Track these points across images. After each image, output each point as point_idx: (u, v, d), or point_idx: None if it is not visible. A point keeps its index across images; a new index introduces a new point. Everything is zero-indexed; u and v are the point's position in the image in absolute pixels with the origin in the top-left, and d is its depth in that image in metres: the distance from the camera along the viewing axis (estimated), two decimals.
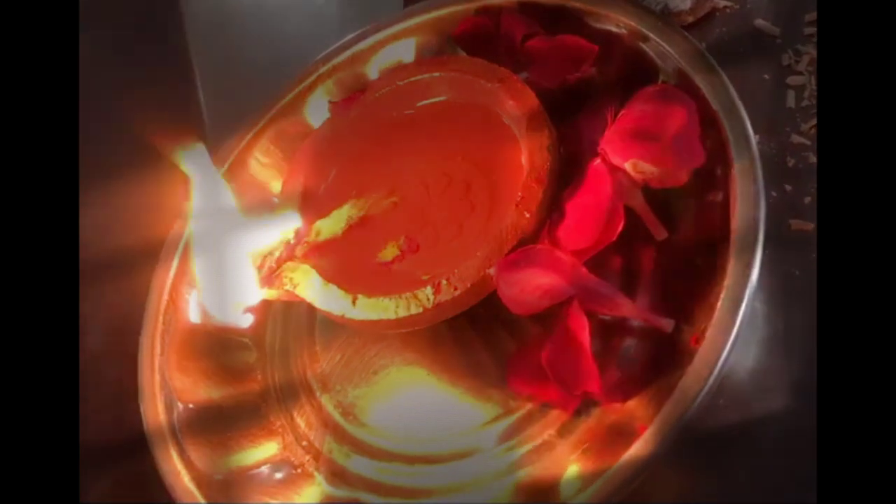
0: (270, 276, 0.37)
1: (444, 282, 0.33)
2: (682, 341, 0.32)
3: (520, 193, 0.34)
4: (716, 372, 0.29)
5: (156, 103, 0.64)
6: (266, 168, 0.46)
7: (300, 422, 0.39)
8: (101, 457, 0.39)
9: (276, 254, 0.37)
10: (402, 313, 0.34)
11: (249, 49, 0.63)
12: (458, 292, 0.33)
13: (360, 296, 0.35)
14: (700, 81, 0.35)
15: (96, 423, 0.41)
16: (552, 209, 0.34)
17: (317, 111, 0.46)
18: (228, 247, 0.37)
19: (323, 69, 0.46)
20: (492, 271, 0.33)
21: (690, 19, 0.43)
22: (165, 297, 0.42)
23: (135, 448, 0.39)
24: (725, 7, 0.43)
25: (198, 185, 0.37)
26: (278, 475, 0.38)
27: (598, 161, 0.34)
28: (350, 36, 0.47)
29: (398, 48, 0.46)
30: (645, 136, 0.33)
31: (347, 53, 0.46)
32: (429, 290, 0.33)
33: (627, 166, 0.33)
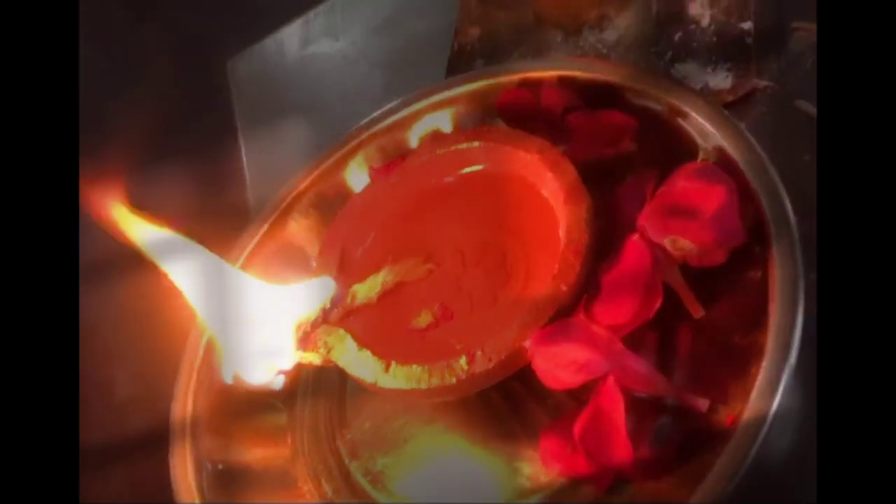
0: (306, 339, 0.37)
1: (478, 352, 0.33)
2: (717, 421, 0.31)
3: (557, 265, 0.34)
4: (752, 454, 0.29)
5: (200, 166, 0.65)
6: (305, 231, 0.47)
7: (328, 488, 0.39)
8: None
9: (312, 317, 0.37)
10: (436, 383, 0.34)
11: (293, 115, 0.65)
12: (492, 364, 0.33)
13: (393, 362, 0.35)
14: (740, 160, 0.35)
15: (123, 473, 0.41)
16: (589, 283, 0.34)
17: (357, 176, 0.47)
18: (257, 313, 0.37)
19: (364, 135, 0.47)
20: (527, 344, 0.33)
21: (731, 98, 0.43)
22: (200, 354, 0.42)
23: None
24: (766, 87, 0.43)
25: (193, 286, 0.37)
26: None
27: (636, 236, 0.34)
28: (392, 104, 0.47)
29: (439, 117, 0.46)
30: (684, 212, 0.33)
31: (389, 121, 0.47)
32: (463, 360, 0.33)
33: (666, 243, 0.33)
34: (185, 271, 0.36)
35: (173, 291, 0.36)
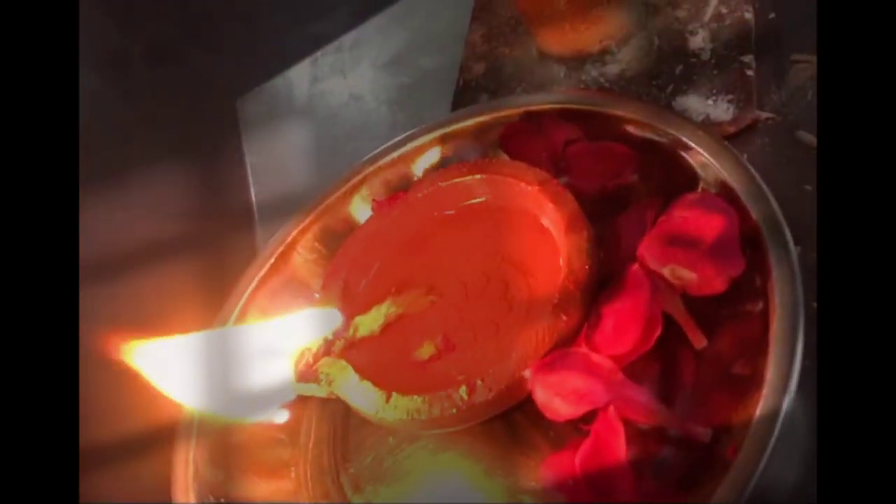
0: (307, 371, 0.37)
1: (479, 382, 0.33)
2: (719, 452, 0.31)
3: (557, 295, 0.34)
4: (752, 484, 0.29)
5: (209, 198, 0.66)
6: (309, 264, 0.47)
7: None
8: None
9: (314, 349, 0.37)
10: (436, 413, 0.34)
11: (300, 150, 0.65)
12: (492, 394, 0.33)
13: (394, 394, 0.35)
14: (740, 190, 0.35)
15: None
16: (590, 313, 0.34)
17: (362, 210, 0.47)
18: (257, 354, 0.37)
19: (369, 169, 0.47)
20: (527, 373, 0.33)
21: (732, 130, 0.43)
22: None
23: None
24: (768, 119, 0.43)
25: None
26: None
27: (636, 266, 0.34)
28: (397, 138, 0.48)
29: (443, 150, 0.47)
30: (684, 242, 0.33)
31: (394, 154, 0.47)
32: (463, 390, 0.33)
33: (665, 272, 0.33)
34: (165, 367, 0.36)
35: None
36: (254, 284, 0.46)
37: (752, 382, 0.31)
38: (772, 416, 0.30)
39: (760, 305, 0.33)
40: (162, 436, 0.40)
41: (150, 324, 0.37)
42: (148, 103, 0.74)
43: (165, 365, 0.35)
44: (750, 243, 0.34)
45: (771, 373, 0.31)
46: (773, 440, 0.29)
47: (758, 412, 0.30)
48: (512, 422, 0.37)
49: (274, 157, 0.67)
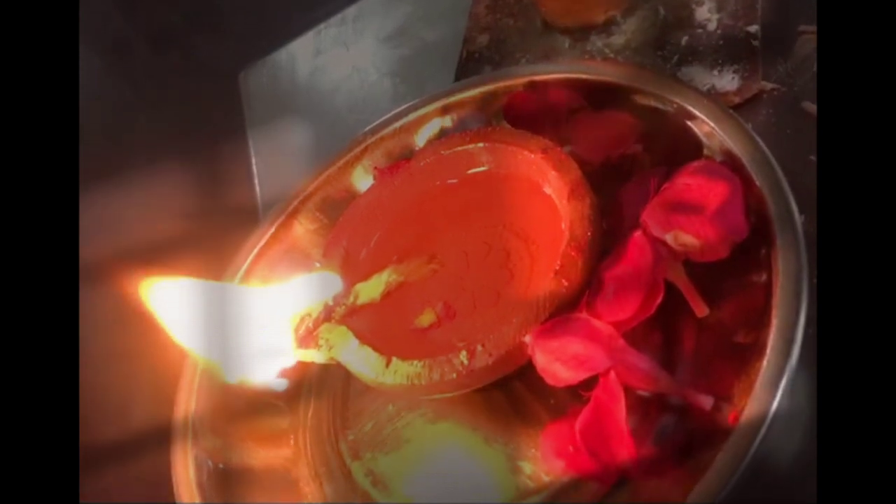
0: (308, 336, 0.37)
1: (479, 348, 0.33)
2: (720, 419, 0.31)
3: (559, 262, 0.34)
4: (752, 450, 0.29)
5: (211, 175, 0.66)
6: (310, 234, 0.47)
7: (329, 489, 0.39)
8: None
9: (314, 315, 0.37)
10: (436, 378, 0.33)
11: (303, 124, 0.65)
12: (492, 359, 0.33)
13: (394, 359, 0.34)
14: (745, 159, 0.35)
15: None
16: (591, 279, 0.34)
17: (364, 180, 0.46)
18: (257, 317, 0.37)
19: (371, 139, 0.47)
20: (527, 339, 0.33)
21: (737, 100, 0.43)
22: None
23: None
24: (773, 89, 0.43)
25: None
26: None
27: (639, 232, 0.34)
28: (399, 108, 0.47)
29: (445, 121, 0.46)
30: (687, 208, 0.33)
31: (396, 125, 0.47)
32: (463, 355, 0.33)
33: (668, 238, 0.33)
34: (176, 307, 0.36)
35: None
36: (254, 253, 0.46)
37: (754, 351, 0.31)
38: (773, 384, 0.30)
39: (763, 274, 0.33)
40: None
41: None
42: (151, 85, 0.74)
43: (175, 306, 0.35)
44: (754, 212, 0.34)
45: (773, 341, 0.31)
46: (774, 408, 0.29)
47: (759, 380, 0.30)
48: (511, 390, 0.37)
49: (276, 130, 0.66)
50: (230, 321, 0.36)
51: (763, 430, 0.29)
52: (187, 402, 0.40)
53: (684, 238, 0.32)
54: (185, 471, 0.38)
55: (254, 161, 0.65)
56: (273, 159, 0.65)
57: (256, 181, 0.64)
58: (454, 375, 0.33)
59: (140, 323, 0.40)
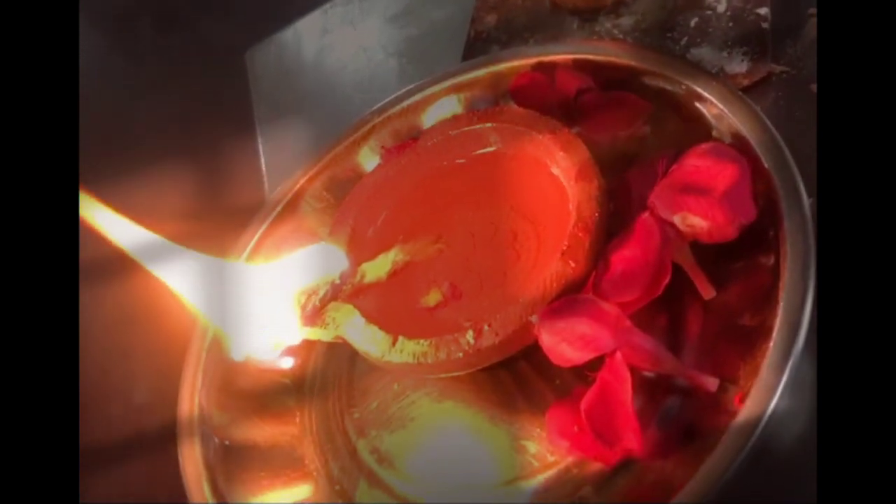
0: (314, 315, 0.37)
1: (485, 327, 0.33)
2: (725, 401, 0.31)
3: (566, 242, 0.34)
4: (757, 432, 0.29)
5: (216, 149, 0.66)
6: (317, 213, 0.47)
7: (334, 466, 0.39)
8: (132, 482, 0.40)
9: (321, 293, 0.37)
10: (442, 357, 0.33)
11: (310, 104, 0.65)
12: (499, 338, 0.33)
13: (400, 337, 0.35)
14: (753, 140, 0.35)
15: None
16: (598, 260, 0.34)
17: (371, 160, 0.47)
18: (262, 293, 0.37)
19: (378, 119, 0.47)
20: (534, 319, 0.33)
21: (746, 83, 0.43)
22: (211, 333, 0.42)
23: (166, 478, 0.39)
24: (782, 72, 0.43)
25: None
26: None
27: (646, 214, 0.34)
28: (407, 88, 0.47)
29: (453, 101, 0.46)
30: (695, 190, 0.33)
31: (403, 104, 0.47)
32: (469, 335, 0.33)
33: (676, 220, 0.33)
34: (181, 274, 0.36)
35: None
36: (260, 233, 0.46)
37: (760, 333, 0.31)
38: (779, 366, 0.30)
39: (771, 256, 0.33)
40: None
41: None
42: (155, 64, 0.74)
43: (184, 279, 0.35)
44: (762, 194, 0.34)
45: (780, 323, 0.31)
46: (779, 390, 0.29)
47: (765, 362, 0.30)
48: (517, 371, 0.37)
49: (282, 109, 0.66)
50: (236, 297, 0.36)
51: (769, 412, 0.29)
52: (193, 379, 0.41)
53: (692, 219, 0.32)
54: (192, 447, 0.38)
55: (260, 140, 0.65)
56: (279, 138, 0.65)
57: (262, 161, 0.64)
58: (460, 354, 0.33)
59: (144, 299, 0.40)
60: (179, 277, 0.35)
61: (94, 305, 0.53)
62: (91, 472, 0.46)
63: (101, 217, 0.36)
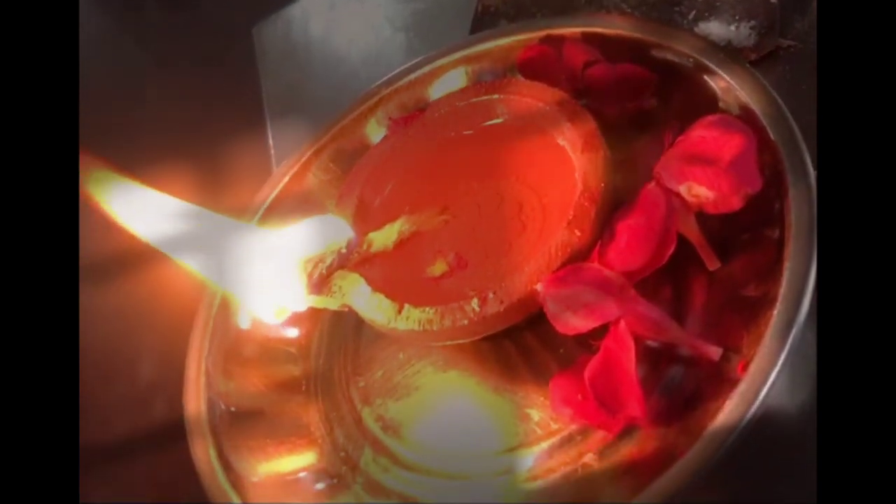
0: (320, 283, 0.37)
1: (490, 295, 0.33)
2: (728, 370, 0.31)
3: (571, 212, 0.34)
4: (760, 399, 0.29)
5: (224, 125, 0.66)
6: (324, 185, 0.47)
7: (339, 434, 0.39)
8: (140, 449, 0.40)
9: (328, 261, 0.37)
10: (448, 324, 0.34)
11: (316, 77, 0.65)
12: (504, 306, 0.33)
13: (406, 305, 0.35)
14: (760, 112, 0.35)
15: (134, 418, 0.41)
16: (604, 230, 0.34)
17: (378, 132, 0.47)
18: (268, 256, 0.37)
19: (385, 91, 0.47)
20: (539, 287, 0.33)
21: (753, 56, 0.43)
22: (218, 300, 0.42)
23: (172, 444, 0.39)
24: (789, 46, 0.43)
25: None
26: (314, 483, 0.38)
27: (652, 184, 0.34)
28: (414, 60, 0.47)
29: (460, 74, 0.46)
30: (701, 160, 0.33)
31: (411, 77, 0.47)
32: (475, 302, 0.34)
33: (682, 189, 0.33)
34: (190, 233, 0.36)
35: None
36: (266, 204, 0.46)
37: (764, 304, 0.31)
38: (782, 335, 0.30)
39: (776, 227, 0.33)
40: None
41: None
42: (161, 41, 0.74)
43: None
44: (769, 166, 0.34)
45: (783, 293, 0.31)
46: (782, 357, 0.30)
47: (769, 331, 0.30)
48: (521, 340, 0.37)
49: (290, 84, 0.66)
50: (245, 259, 0.36)
51: (770, 380, 0.29)
52: (200, 345, 0.41)
53: (698, 189, 0.32)
54: (198, 411, 0.39)
55: (267, 115, 0.66)
56: (286, 113, 0.65)
57: (270, 135, 0.64)
58: (465, 322, 0.34)
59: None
60: (189, 236, 0.36)
61: (100, 292, 0.53)
62: (96, 454, 0.46)
63: (109, 184, 0.36)
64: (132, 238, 0.36)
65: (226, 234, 0.37)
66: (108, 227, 0.36)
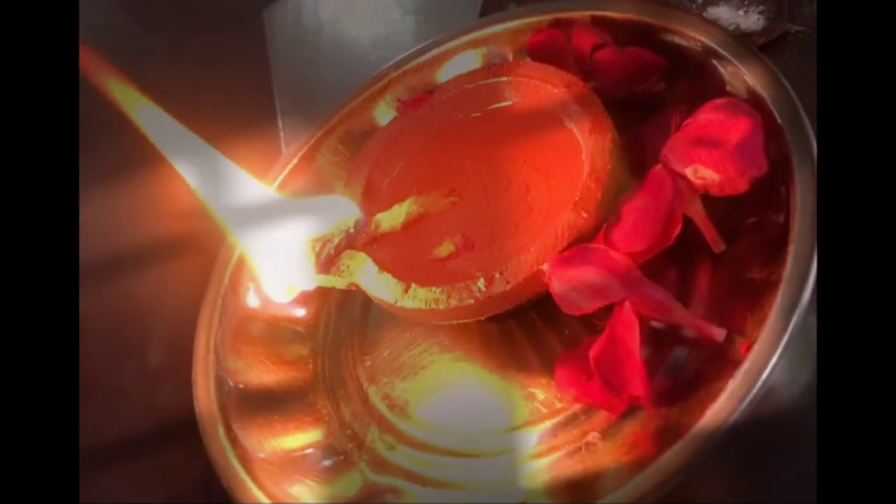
0: (328, 262, 0.37)
1: (497, 275, 0.34)
2: (732, 351, 0.32)
3: (578, 193, 0.34)
4: (762, 379, 0.29)
5: (233, 107, 0.66)
6: (332, 167, 0.47)
7: (346, 412, 0.40)
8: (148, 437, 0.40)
9: (336, 241, 0.37)
10: (454, 303, 0.34)
11: (326, 60, 0.65)
12: (510, 286, 0.33)
13: (413, 284, 0.35)
14: (767, 96, 0.35)
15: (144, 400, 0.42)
16: (610, 212, 0.34)
17: (386, 114, 0.47)
18: (280, 231, 0.38)
19: (395, 74, 0.47)
20: (545, 267, 0.33)
21: (762, 41, 0.43)
22: (226, 280, 0.43)
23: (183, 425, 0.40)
24: (798, 31, 0.43)
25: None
26: (321, 460, 0.38)
27: (658, 166, 0.34)
28: (424, 43, 0.48)
29: (469, 57, 0.46)
30: (708, 142, 0.33)
31: (420, 59, 0.47)
32: (481, 282, 0.34)
33: (688, 172, 0.33)
34: (202, 174, 0.37)
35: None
36: (276, 185, 0.47)
37: (768, 286, 0.32)
38: (786, 317, 0.30)
39: (781, 211, 0.33)
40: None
41: None
42: (170, 24, 0.74)
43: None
44: (775, 150, 0.34)
45: (788, 276, 0.31)
46: (784, 340, 0.30)
47: (772, 313, 0.30)
48: (526, 320, 0.37)
49: (300, 67, 0.66)
50: (259, 215, 0.37)
51: (773, 361, 0.29)
52: (210, 322, 0.41)
53: (704, 172, 0.33)
54: (207, 388, 0.39)
55: (277, 98, 0.66)
56: (296, 96, 0.65)
57: (279, 118, 0.65)
58: (471, 301, 0.34)
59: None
60: (210, 180, 0.36)
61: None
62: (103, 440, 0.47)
63: (139, 109, 0.36)
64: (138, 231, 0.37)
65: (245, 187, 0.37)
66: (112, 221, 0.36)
